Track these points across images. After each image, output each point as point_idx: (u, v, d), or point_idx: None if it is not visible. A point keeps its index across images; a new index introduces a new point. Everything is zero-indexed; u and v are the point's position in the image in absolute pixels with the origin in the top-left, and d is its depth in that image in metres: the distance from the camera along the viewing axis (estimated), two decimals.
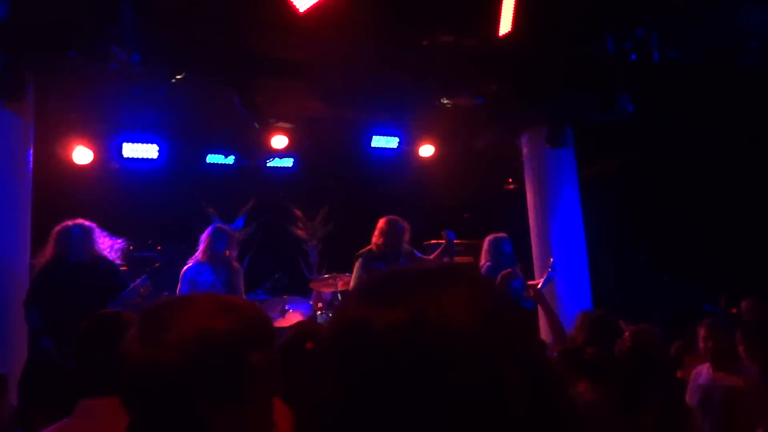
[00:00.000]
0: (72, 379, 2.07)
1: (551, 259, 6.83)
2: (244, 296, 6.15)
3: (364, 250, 6.05)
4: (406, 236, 6.07)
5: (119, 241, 5.63)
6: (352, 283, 6.14)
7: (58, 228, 5.37)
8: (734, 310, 6.73)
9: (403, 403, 0.67)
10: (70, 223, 5.37)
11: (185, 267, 6.08)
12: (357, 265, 6.00)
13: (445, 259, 6.44)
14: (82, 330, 2.02)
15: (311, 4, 5.08)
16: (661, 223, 8.66)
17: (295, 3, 5.09)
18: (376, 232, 6.01)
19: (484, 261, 6.99)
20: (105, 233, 5.50)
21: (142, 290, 5.28)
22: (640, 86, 6.89)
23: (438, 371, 0.67)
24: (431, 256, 6.51)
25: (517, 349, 0.71)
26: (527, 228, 8.07)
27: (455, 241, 6.52)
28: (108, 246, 5.53)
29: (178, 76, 6.12)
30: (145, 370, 1.19)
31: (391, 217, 6.08)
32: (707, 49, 6.78)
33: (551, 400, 0.71)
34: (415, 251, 6.25)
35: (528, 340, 0.74)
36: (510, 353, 0.70)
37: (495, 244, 6.94)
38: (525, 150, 8.21)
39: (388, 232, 5.95)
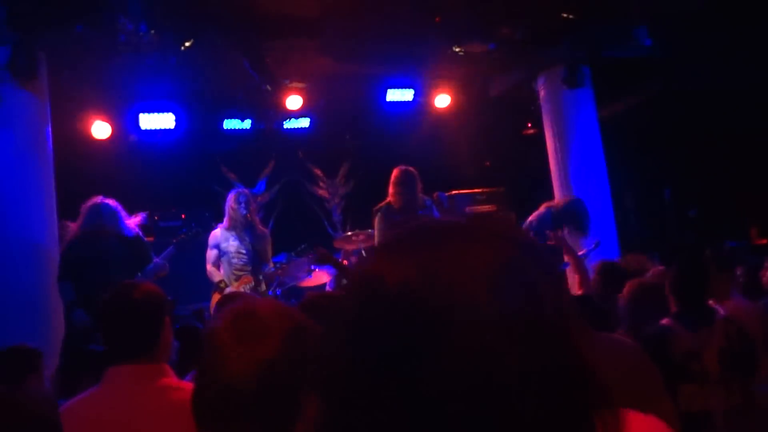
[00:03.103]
0: (99, 348, 2.16)
1: (598, 241, 6.65)
2: (270, 261, 6.24)
3: (382, 204, 6.05)
4: (419, 186, 6.03)
5: (141, 216, 5.73)
6: (376, 238, 6.16)
7: (85, 204, 5.49)
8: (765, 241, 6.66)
9: (408, 363, 0.67)
10: (97, 199, 5.49)
11: (212, 232, 6.19)
12: (377, 219, 6.01)
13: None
14: (104, 301, 2.09)
15: None
16: (685, 158, 8.52)
17: None
18: (391, 184, 6.00)
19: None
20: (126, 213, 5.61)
21: (161, 271, 5.42)
22: (656, 18, 6.70)
23: (442, 334, 0.67)
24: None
25: (530, 314, 0.68)
26: (548, 172, 7.99)
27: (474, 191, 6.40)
28: (133, 221, 5.65)
29: (187, 44, 6.10)
30: None
31: (401, 167, 6.05)
32: None
33: (567, 376, 0.68)
34: (431, 206, 6.20)
35: (548, 302, 0.71)
36: (521, 321, 0.68)
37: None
38: (542, 92, 8.06)
39: (402, 182, 5.93)
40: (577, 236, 6.44)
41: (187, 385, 1.83)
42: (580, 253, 6.33)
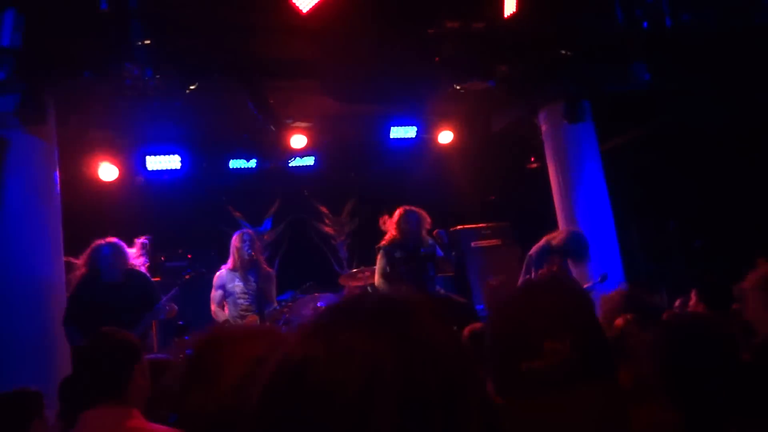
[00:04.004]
0: (77, 390, 2.25)
1: (604, 274, 6.61)
2: (275, 300, 6.26)
3: (384, 242, 6.10)
4: (425, 225, 6.10)
5: (142, 240, 5.77)
6: (376, 276, 6.18)
7: (90, 247, 5.54)
8: None
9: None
10: (101, 242, 5.54)
11: (217, 273, 6.23)
12: (379, 257, 6.06)
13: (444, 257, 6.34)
14: (80, 348, 2.18)
15: (313, 3, 5.12)
16: (688, 190, 8.53)
17: (297, 4, 5.13)
18: (393, 224, 6.06)
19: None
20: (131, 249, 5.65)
21: (168, 309, 5.45)
22: (655, 54, 6.77)
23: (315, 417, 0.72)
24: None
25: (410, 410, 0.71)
26: (552, 205, 8.01)
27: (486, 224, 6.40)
28: (138, 261, 5.69)
29: (192, 87, 6.21)
30: None
31: (405, 207, 6.13)
32: (722, 9, 6.63)
33: None
34: (435, 245, 6.24)
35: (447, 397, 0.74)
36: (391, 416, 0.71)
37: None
38: (544, 127, 8.13)
39: (403, 223, 6.00)
40: (580, 267, 6.44)
41: (156, 427, 1.90)
42: (585, 286, 6.32)
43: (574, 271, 7.02)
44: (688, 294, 4.57)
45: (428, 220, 6.17)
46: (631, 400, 1.56)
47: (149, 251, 5.87)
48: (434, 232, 6.30)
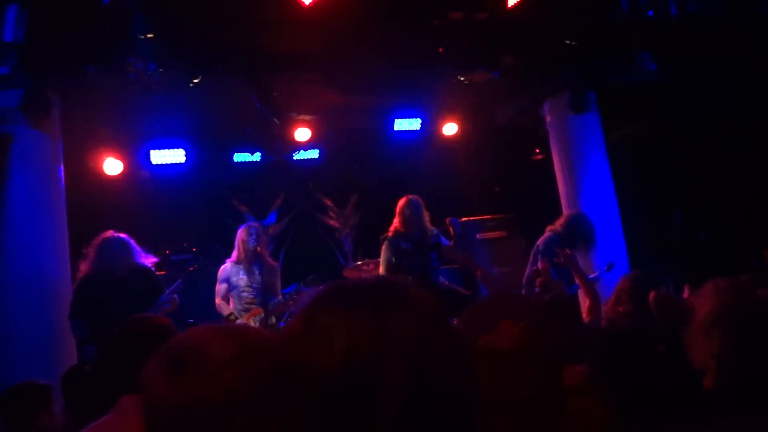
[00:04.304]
0: (111, 379, 2.25)
1: (611, 262, 6.58)
2: (279, 293, 6.27)
3: (389, 233, 6.08)
4: (425, 215, 6.08)
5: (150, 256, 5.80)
6: (380, 268, 6.18)
7: (95, 241, 5.55)
8: None
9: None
10: (106, 235, 5.54)
11: (222, 266, 6.24)
12: (384, 248, 6.04)
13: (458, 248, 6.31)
14: (116, 334, 2.17)
15: None
16: (695, 181, 8.49)
17: None
18: (397, 213, 6.05)
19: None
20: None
21: (171, 301, 5.47)
22: (660, 43, 6.73)
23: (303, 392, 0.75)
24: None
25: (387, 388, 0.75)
26: (558, 197, 7.99)
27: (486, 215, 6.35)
28: (144, 255, 5.70)
29: (195, 81, 6.22)
30: None
31: (408, 196, 6.11)
32: None
33: None
34: (439, 235, 6.22)
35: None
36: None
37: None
38: (548, 118, 8.10)
39: (407, 210, 5.99)
40: (586, 253, 6.39)
41: None
42: (591, 276, 6.30)
43: (582, 261, 7.01)
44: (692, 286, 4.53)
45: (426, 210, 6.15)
46: (573, 394, 1.71)
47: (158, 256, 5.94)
48: (447, 220, 6.26)
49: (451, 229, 6.30)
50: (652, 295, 3.72)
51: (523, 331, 1.38)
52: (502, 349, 1.37)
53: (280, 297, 6.19)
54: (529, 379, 1.39)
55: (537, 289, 5.32)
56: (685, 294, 4.57)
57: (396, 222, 6.06)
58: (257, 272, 6.08)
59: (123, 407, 2.07)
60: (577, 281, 5.31)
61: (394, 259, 5.92)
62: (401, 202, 6.09)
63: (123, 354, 2.17)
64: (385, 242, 6.03)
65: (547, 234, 6.09)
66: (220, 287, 6.16)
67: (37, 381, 3.66)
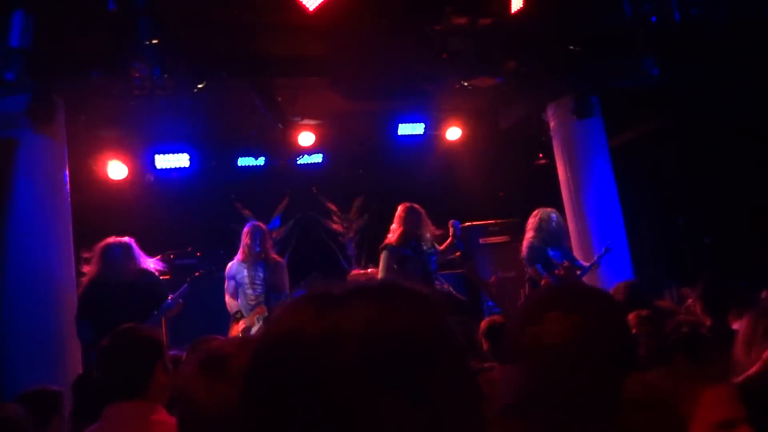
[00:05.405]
0: (99, 387, 2.29)
1: (608, 247, 6.63)
2: (287, 288, 6.31)
3: (389, 241, 6.13)
4: (424, 222, 6.14)
5: (156, 259, 5.84)
6: (380, 274, 6.20)
7: (100, 246, 5.58)
8: None
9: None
10: (111, 240, 5.58)
11: (229, 264, 6.31)
12: (383, 256, 6.08)
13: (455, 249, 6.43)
14: (103, 345, 2.20)
15: (320, 1, 5.12)
16: (698, 185, 8.48)
17: (304, 2, 5.13)
18: (396, 221, 6.11)
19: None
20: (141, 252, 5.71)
21: (175, 307, 5.50)
22: (663, 48, 6.73)
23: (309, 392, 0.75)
24: (441, 247, 6.46)
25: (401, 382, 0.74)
26: (561, 201, 7.99)
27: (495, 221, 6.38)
28: (148, 259, 5.74)
29: (200, 86, 6.24)
30: None
31: (407, 203, 6.18)
32: (730, 2, 6.58)
33: None
34: (433, 242, 6.31)
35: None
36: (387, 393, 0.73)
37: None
38: (552, 123, 8.11)
39: (408, 216, 6.05)
40: (568, 249, 6.65)
41: None
42: (588, 263, 6.41)
43: (578, 253, 7.04)
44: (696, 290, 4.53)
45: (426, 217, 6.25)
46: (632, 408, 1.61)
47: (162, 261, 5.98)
48: (449, 223, 6.36)
49: (451, 230, 6.40)
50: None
51: (574, 324, 1.22)
52: (547, 343, 1.22)
53: (287, 292, 6.23)
54: (576, 383, 1.21)
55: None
56: (689, 300, 4.57)
57: (395, 229, 6.11)
58: (261, 270, 6.13)
59: (109, 416, 2.12)
60: None
61: (395, 265, 5.98)
62: (400, 209, 6.17)
63: (111, 363, 2.21)
64: (385, 250, 6.09)
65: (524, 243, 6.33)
66: (229, 285, 6.27)
67: (50, 387, 3.68)
